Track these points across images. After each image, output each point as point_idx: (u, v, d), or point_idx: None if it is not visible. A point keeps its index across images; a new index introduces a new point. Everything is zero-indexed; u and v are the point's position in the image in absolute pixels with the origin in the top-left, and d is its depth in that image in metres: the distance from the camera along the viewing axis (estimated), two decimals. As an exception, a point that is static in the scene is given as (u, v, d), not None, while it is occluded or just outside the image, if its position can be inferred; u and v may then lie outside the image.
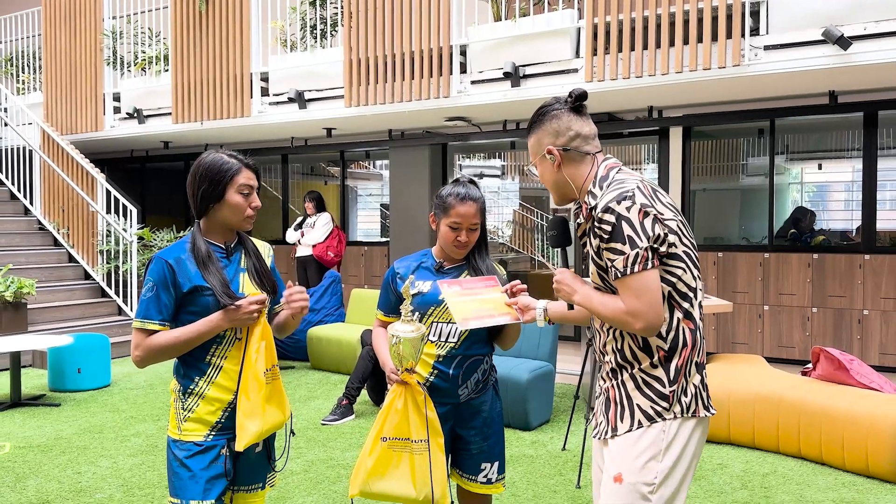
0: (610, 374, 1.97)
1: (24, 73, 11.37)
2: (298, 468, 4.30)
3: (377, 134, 9.38)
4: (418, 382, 2.24)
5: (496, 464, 2.52)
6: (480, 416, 2.49)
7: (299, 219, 8.74)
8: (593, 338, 2.08)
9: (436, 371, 2.41)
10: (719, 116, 7.34)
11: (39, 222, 9.74)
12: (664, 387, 1.86)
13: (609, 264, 1.84)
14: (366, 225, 11.45)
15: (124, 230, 8.92)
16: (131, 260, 8.74)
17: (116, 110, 9.81)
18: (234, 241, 2.23)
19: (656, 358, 1.87)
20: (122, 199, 9.01)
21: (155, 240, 8.93)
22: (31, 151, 9.85)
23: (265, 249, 2.34)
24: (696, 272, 1.91)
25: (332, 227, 8.40)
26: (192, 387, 2.14)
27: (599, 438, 2.00)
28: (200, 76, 8.72)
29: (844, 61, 5.39)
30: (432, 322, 2.43)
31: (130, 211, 8.90)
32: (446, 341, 2.42)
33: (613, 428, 1.92)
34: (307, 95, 7.95)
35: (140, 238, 8.93)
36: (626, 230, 1.80)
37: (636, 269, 1.79)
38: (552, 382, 5.31)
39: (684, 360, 1.87)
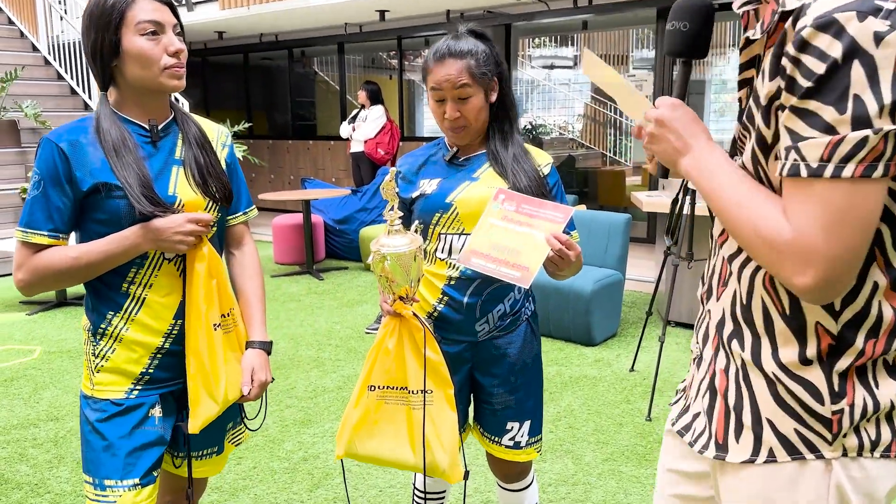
0: (722, 347, 1.11)
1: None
2: (332, 384, 3.90)
3: (434, 16, 8.54)
4: (415, 315, 1.64)
5: (527, 424, 1.92)
6: (506, 360, 1.87)
7: (354, 112, 8.16)
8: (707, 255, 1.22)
9: (446, 298, 1.81)
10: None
11: (97, 118, 9.53)
12: (821, 402, 1.00)
13: (788, 141, 0.91)
14: (431, 120, 10.79)
15: (176, 125, 8.60)
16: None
17: (165, -2, 9.31)
18: (167, 121, 1.59)
19: (812, 348, 1.00)
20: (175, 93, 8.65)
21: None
22: (85, 45, 9.53)
23: (217, 134, 1.69)
24: None
25: (384, 121, 7.77)
26: (104, 326, 1.55)
27: (696, 449, 1.16)
28: (245, -45, 8.04)
29: None
30: (440, 233, 1.80)
31: (183, 103, 8.56)
32: None
33: (720, 445, 1.11)
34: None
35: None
36: (856, 84, 0.85)
37: (849, 171, 0.87)
38: (620, 292, 4.69)
39: (867, 360, 0.99)
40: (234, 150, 1.74)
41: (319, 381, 3.96)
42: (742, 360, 1.08)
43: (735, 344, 1.07)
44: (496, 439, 1.93)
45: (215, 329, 1.57)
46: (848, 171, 0.87)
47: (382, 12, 8.16)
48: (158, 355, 1.57)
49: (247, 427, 1.81)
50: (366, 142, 7.74)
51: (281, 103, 11.15)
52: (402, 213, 1.62)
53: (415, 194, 1.82)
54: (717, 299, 1.13)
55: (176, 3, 5.43)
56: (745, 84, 1.06)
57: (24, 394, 3.82)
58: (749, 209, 0.96)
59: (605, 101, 9.24)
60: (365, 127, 7.75)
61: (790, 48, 0.89)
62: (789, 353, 1.02)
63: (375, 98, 7.85)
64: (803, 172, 0.89)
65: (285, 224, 6.83)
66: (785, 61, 0.90)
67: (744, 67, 1.07)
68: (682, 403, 1.24)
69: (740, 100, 1.08)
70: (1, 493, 2.82)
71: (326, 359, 4.33)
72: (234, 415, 1.76)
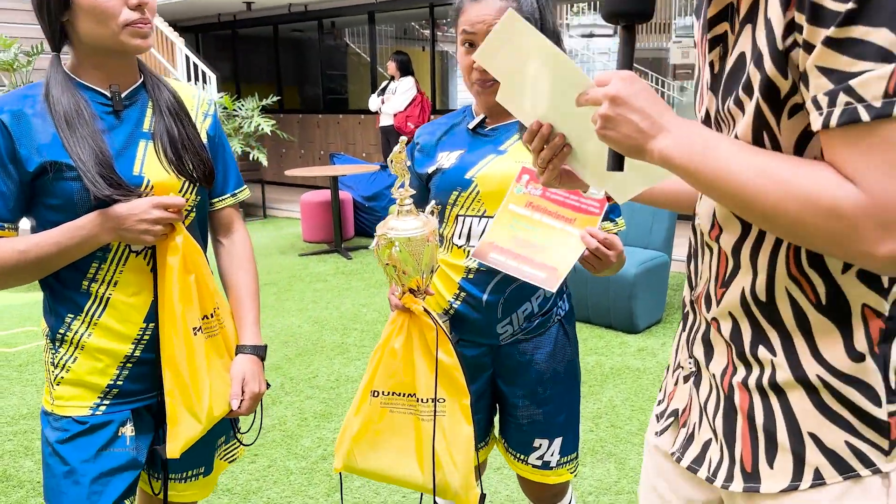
0: (740, 357, 0.92)
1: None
2: (356, 373, 3.67)
3: (470, -17, 8.18)
4: (426, 310, 1.37)
5: (558, 441, 1.64)
6: (532, 368, 1.59)
7: (384, 84, 7.87)
8: (690, 263, 1.02)
9: (463, 294, 1.54)
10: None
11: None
12: (877, 403, 0.84)
13: (829, 84, 0.72)
14: (466, 93, 10.44)
15: (203, 99, 8.42)
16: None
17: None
18: (133, 87, 1.34)
19: (860, 338, 0.83)
20: (202, 66, 8.45)
21: (238, 109, 8.37)
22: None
23: (197, 102, 1.44)
24: None
25: (414, 93, 7.46)
26: (63, 331, 1.32)
27: (718, 483, 0.95)
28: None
29: None
30: (457, 215, 1.53)
31: (210, 77, 8.39)
32: None
33: (749, 474, 0.91)
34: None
35: (223, 108, 8.38)
36: None
37: None
38: (666, 275, 4.37)
39: None
40: (220, 121, 1.47)
41: (343, 369, 3.74)
42: (773, 368, 0.89)
43: (762, 350, 0.90)
44: (522, 457, 1.67)
45: (195, 333, 1.33)
46: None
47: (413, -21, 7.84)
48: (128, 365, 1.33)
49: (240, 442, 1.57)
50: (395, 115, 7.46)
51: (312, 76, 10.90)
52: (413, 191, 1.35)
53: (431, 169, 1.56)
54: (718, 303, 0.94)
55: None
56: (717, 43, 0.89)
57: (38, 380, 3.67)
58: (785, 179, 0.75)
59: (646, 70, 8.80)
60: (394, 99, 7.46)
61: None
62: (835, 349, 0.84)
63: (405, 69, 7.55)
64: (864, 116, 0.70)
65: (314, 201, 6.61)
66: None
67: (714, 22, 0.89)
68: (683, 432, 1.02)
69: (711, 63, 0.91)
70: (1, 491, 2.65)
71: (351, 344, 4.10)
72: (225, 429, 1.52)
